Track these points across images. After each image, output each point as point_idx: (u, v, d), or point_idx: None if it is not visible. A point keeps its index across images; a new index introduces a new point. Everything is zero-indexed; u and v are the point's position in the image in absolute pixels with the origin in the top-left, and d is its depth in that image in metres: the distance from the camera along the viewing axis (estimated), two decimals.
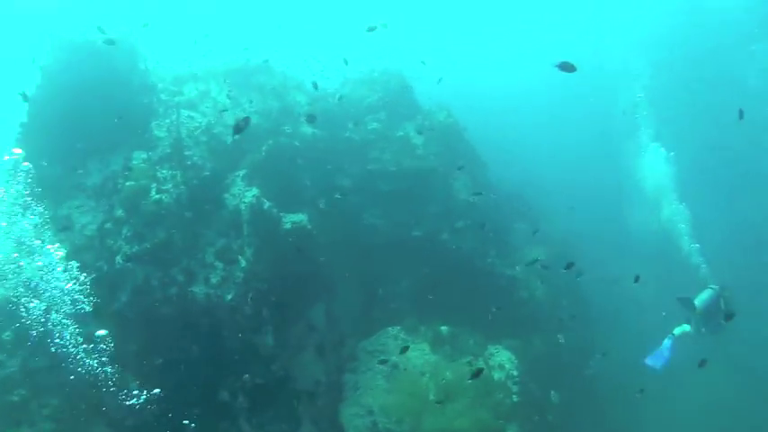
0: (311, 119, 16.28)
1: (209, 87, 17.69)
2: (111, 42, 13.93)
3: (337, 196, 17.30)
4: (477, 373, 13.12)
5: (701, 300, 15.30)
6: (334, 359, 16.01)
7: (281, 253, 14.91)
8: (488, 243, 19.06)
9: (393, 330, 16.75)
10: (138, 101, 15.26)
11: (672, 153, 24.08)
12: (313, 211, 16.43)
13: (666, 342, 15.02)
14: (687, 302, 14.91)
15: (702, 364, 12.91)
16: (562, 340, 18.88)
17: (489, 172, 22.15)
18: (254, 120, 16.57)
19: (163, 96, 16.12)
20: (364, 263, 17.86)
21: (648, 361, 14.99)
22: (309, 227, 15.59)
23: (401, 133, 18.96)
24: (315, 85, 17.21)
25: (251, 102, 17.25)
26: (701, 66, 27.02)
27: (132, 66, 15.69)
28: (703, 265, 19.50)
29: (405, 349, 14.56)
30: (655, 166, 24.48)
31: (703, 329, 15.00)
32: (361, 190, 18.25)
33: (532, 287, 20.54)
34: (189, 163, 14.35)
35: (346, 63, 18.27)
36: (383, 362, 15.33)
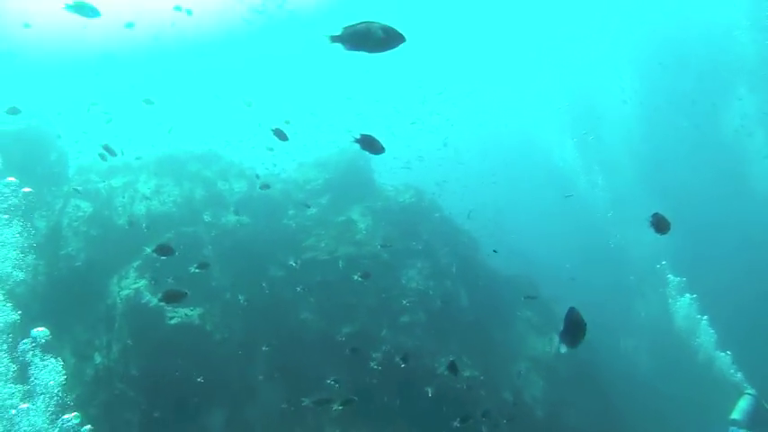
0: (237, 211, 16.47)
1: (137, 177, 18.13)
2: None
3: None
4: None
5: (740, 411, 13.74)
6: None
7: (161, 351, 14.39)
8: (450, 336, 17.43)
9: None
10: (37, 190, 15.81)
11: None
12: (218, 305, 15.83)
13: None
14: None
15: None
16: None
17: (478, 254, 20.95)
18: (168, 209, 16.86)
19: (67, 187, 16.62)
20: (291, 363, 16.79)
21: None
22: (198, 322, 14.99)
23: (342, 218, 18.22)
24: (257, 176, 17.65)
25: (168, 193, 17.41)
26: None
27: (40, 156, 16.48)
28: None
29: None
30: None
31: None
32: (294, 281, 17.47)
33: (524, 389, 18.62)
34: (62, 253, 14.49)
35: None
36: None
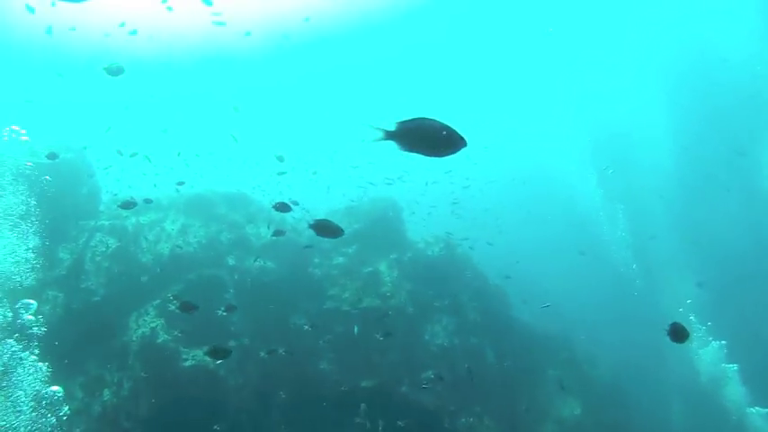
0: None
1: (166, 215, 18.21)
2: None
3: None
4: None
5: None
6: None
7: (172, 393, 14.15)
8: (473, 395, 16.87)
9: None
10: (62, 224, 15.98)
11: None
12: (234, 350, 15.53)
13: None
14: None
15: None
16: None
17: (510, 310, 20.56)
18: (193, 250, 16.85)
19: (94, 222, 16.74)
20: (310, 416, 16.33)
21: None
22: (213, 366, 14.73)
23: (369, 269, 17.98)
24: (268, 225, 18.28)
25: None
26: None
27: (72, 189, 16.74)
28: None
29: None
30: None
31: None
32: (315, 331, 17.15)
33: None
34: (82, 287, 14.51)
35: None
36: None
